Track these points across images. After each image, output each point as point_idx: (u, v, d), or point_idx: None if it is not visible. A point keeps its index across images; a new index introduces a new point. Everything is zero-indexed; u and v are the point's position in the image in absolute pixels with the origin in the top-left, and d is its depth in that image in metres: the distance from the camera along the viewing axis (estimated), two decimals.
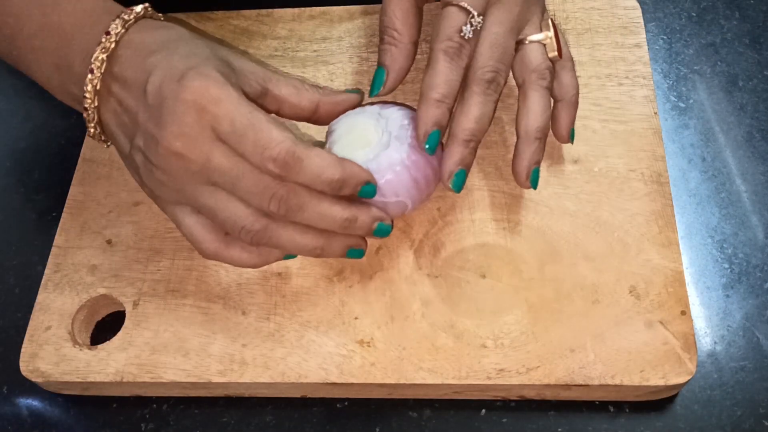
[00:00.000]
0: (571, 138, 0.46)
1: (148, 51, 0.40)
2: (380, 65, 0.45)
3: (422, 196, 0.44)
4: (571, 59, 0.46)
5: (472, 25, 0.42)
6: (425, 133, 0.42)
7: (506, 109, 0.51)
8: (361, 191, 0.41)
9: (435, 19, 0.43)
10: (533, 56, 0.44)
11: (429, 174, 0.43)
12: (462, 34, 0.42)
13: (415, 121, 0.43)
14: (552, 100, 0.45)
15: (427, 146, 0.42)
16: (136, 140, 0.40)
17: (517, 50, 0.44)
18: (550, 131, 0.46)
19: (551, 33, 0.44)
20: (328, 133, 0.45)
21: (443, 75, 0.42)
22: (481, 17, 0.43)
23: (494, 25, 0.43)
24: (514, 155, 0.45)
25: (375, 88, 0.45)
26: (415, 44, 0.45)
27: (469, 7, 0.42)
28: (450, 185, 0.43)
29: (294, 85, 0.42)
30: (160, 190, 0.41)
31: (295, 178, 0.39)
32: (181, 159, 0.38)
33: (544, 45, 0.44)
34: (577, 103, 0.46)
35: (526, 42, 0.44)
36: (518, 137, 0.44)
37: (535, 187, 0.45)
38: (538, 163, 0.44)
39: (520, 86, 0.45)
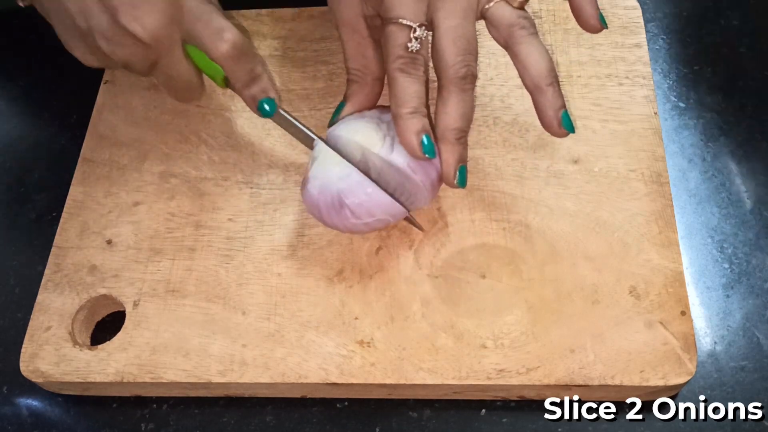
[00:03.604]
0: (602, 23, 0.43)
1: None
2: (343, 99, 0.47)
3: (430, 197, 0.44)
4: None
5: (416, 39, 0.42)
6: (419, 143, 0.42)
7: (506, 109, 0.51)
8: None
9: (383, 40, 0.43)
10: (501, 13, 0.42)
11: (433, 174, 0.43)
12: (410, 50, 0.42)
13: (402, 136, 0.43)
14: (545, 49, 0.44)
15: (426, 154, 0.42)
16: None
17: (485, 18, 0.43)
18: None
19: None
20: (328, 140, 0.45)
21: (407, 90, 0.42)
22: (423, 27, 0.42)
23: (447, 19, 0.42)
24: (536, 110, 0.43)
25: (332, 117, 0.47)
26: (380, 79, 0.46)
27: (408, 23, 0.42)
28: (456, 184, 0.43)
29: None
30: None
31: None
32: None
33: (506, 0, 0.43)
34: None
35: (491, 5, 0.43)
36: (530, 93, 0.42)
37: (573, 131, 0.43)
38: (563, 107, 0.42)
39: (505, 47, 0.43)
